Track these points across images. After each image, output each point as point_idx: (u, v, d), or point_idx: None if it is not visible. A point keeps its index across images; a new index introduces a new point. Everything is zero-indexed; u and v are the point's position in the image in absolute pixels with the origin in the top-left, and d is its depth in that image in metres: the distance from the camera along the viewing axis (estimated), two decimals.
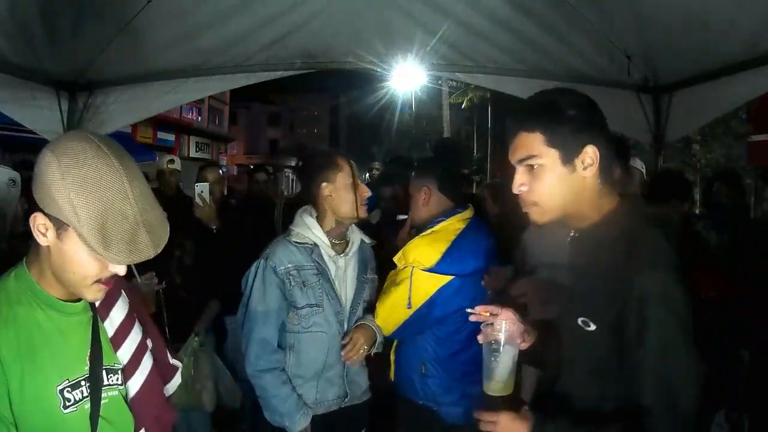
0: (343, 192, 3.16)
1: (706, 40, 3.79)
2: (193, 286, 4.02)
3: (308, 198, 3.27)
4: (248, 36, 4.47)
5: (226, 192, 6.12)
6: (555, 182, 1.95)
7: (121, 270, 1.74)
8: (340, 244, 3.27)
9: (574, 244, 2.11)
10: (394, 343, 3.40)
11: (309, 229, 3.20)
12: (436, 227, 3.28)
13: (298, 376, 3.15)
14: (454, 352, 3.22)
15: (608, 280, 1.89)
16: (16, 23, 3.74)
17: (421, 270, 3.18)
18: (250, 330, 3.11)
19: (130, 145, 16.82)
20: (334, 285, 3.17)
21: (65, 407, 1.76)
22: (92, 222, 1.60)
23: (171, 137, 26.67)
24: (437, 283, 3.18)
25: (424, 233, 3.28)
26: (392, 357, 3.43)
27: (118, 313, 1.99)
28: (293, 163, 48.22)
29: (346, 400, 3.21)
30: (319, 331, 3.13)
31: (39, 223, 1.66)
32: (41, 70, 4.45)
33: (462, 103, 32.18)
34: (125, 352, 1.98)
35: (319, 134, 70.68)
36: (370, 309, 3.31)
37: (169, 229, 1.76)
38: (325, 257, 3.18)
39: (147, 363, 2.05)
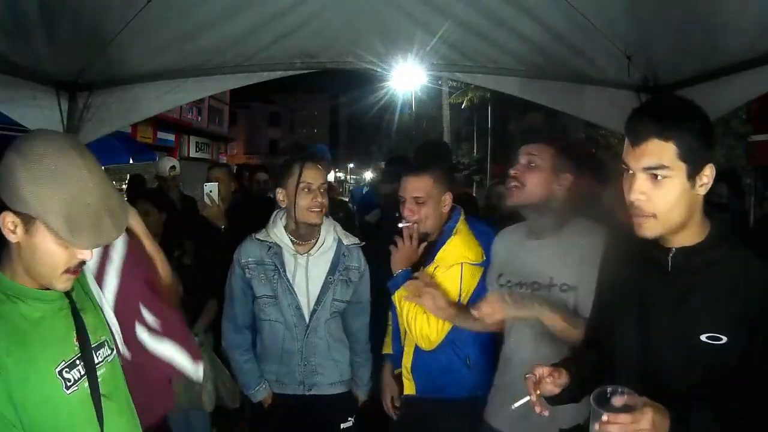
0: (291, 198, 3.36)
1: (706, 39, 3.78)
2: (192, 286, 4.02)
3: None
4: (248, 36, 4.47)
5: (233, 189, 6.25)
6: (677, 196, 1.91)
7: (88, 255, 1.84)
8: (305, 245, 3.46)
9: (678, 261, 2.02)
10: (410, 360, 3.44)
11: (273, 228, 3.48)
12: (458, 225, 3.36)
13: (263, 358, 3.58)
14: (488, 334, 3.28)
15: (737, 294, 1.89)
16: (15, 23, 3.73)
17: (470, 264, 3.25)
18: (224, 309, 3.64)
19: (130, 145, 16.86)
20: (290, 281, 3.40)
21: (67, 388, 1.84)
22: (58, 212, 1.72)
23: (171, 137, 26.65)
24: (477, 274, 3.28)
25: (456, 234, 3.33)
26: (410, 374, 3.45)
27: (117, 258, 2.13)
28: None
29: (307, 388, 3.48)
30: (276, 321, 3.48)
31: (8, 221, 1.75)
32: (41, 69, 4.45)
33: (462, 103, 32.17)
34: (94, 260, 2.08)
35: (319, 134, 70.67)
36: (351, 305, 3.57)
37: (129, 212, 1.96)
38: (285, 255, 3.44)
39: (119, 249, 2.16)
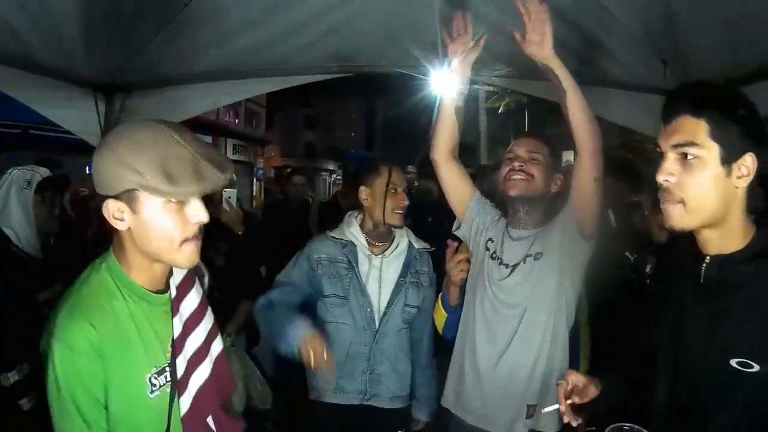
0: (378, 198, 3.38)
1: (743, 43, 3.73)
2: (226, 287, 4.05)
3: (351, 200, 3.47)
4: (284, 38, 4.49)
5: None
6: (709, 181, 1.75)
7: (202, 214, 1.82)
8: (380, 246, 3.44)
9: (713, 271, 1.84)
10: None
11: (348, 227, 3.46)
12: None
13: None
14: None
15: None
16: (52, 23, 3.80)
17: None
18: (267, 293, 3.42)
19: None
20: (363, 281, 3.34)
21: (151, 392, 1.89)
22: (154, 170, 1.70)
23: (208, 139, 26.84)
24: None
25: None
26: None
27: (188, 305, 2.06)
28: (330, 167, 48.50)
29: (366, 397, 3.35)
30: (343, 323, 3.37)
31: (112, 209, 1.76)
32: (77, 71, 4.52)
33: (499, 107, 32.03)
34: (194, 340, 2.05)
35: (356, 138, 70.77)
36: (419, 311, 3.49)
37: (231, 163, 1.88)
38: (360, 255, 3.41)
39: (216, 348, 2.15)
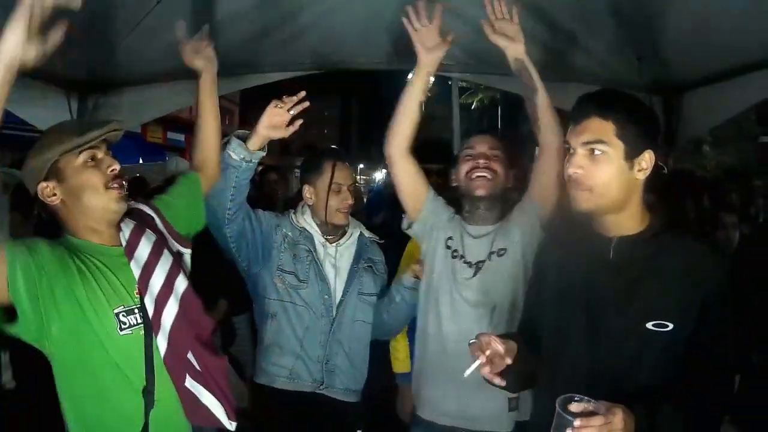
0: (321, 197, 3.31)
1: (717, 40, 3.76)
2: (202, 286, 4.03)
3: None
4: (258, 37, 4.46)
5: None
6: (613, 173, 2.03)
7: (113, 162, 2.21)
8: (332, 237, 3.38)
9: (620, 250, 2.12)
10: None
11: (302, 215, 3.38)
12: None
13: (277, 345, 3.30)
14: None
15: (683, 281, 2.00)
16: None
17: None
18: None
19: (140, 145, 16.86)
20: (321, 266, 3.26)
21: (121, 329, 2.12)
22: (60, 138, 2.11)
23: (181, 137, 26.61)
24: None
25: None
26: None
27: (143, 249, 2.30)
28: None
29: (321, 387, 3.25)
30: (302, 305, 3.23)
31: (44, 192, 2.11)
32: (51, 70, 4.47)
33: (472, 103, 32.09)
34: (157, 280, 2.27)
35: (330, 135, 70.69)
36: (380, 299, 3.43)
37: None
38: (316, 242, 3.32)
39: (181, 284, 2.35)
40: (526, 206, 3.06)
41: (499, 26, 2.92)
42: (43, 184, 2.10)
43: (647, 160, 2.05)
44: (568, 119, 2.18)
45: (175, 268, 2.36)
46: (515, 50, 2.94)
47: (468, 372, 2.11)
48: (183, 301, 2.31)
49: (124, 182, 2.22)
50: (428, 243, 3.19)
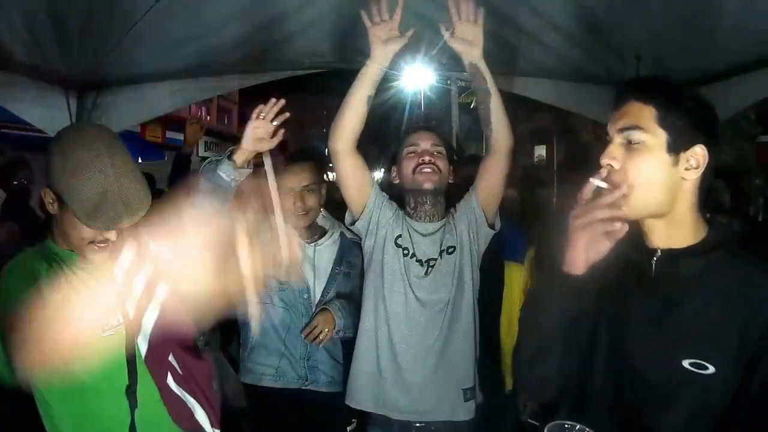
0: (277, 200, 3.20)
1: (715, 40, 3.77)
2: None
3: None
4: (257, 36, 4.46)
5: None
6: (654, 167, 1.67)
7: (112, 236, 2.14)
8: (310, 238, 3.40)
9: (664, 266, 1.74)
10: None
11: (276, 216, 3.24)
12: None
13: (262, 345, 3.37)
14: None
15: (733, 316, 1.58)
16: (24, 23, 3.75)
17: None
18: None
19: (139, 145, 16.84)
20: (300, 268, 3.27)
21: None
22: (80, 200, 2.02)
23: (180, 137, 26.55)
24: None
25: None
26: None
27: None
28: None
29: (307, 383, 3.31)
30: (283, 307, 3.33)
31: (48, 197, 2.10)
32: (50, 69, 4.47)
33: (471, 103, 32.04)
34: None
35: (326, 135, 70.27)
36: (348, 300, 3.41)
37: (147, 201, 2.15)
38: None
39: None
40: (472, 204, 3.09)
41: (460, 29, 2.90)
42: (48, 190, 2.10)
43: (698, 156, 1.66)
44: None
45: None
46: (471, 54, 2.93)
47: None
48: (164, 306, 2.32)
49: (112, 241, 2.18)
50: (373, 240, 3.16)
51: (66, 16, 3.83)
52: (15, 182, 5.94)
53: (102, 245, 2.15)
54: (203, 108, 29.64)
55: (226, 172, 2.83)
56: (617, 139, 1.71)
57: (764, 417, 1.53)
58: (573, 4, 3.88)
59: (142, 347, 2.24)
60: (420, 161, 3.04)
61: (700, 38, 3.85)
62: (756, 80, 3.92)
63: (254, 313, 3.21)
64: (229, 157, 2.88)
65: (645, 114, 1.68)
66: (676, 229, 1.72)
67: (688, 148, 1.67)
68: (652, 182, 1.67)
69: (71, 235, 2.13)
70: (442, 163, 3.07)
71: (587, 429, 1.52)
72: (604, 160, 1.70)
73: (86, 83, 4.88)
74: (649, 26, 3.97)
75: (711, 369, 1.57)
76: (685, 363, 1.60)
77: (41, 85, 4.56)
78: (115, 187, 2.04)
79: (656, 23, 3.91)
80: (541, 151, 23.14)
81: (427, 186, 3.02)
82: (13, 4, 3.55)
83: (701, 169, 1.68)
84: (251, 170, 2.97)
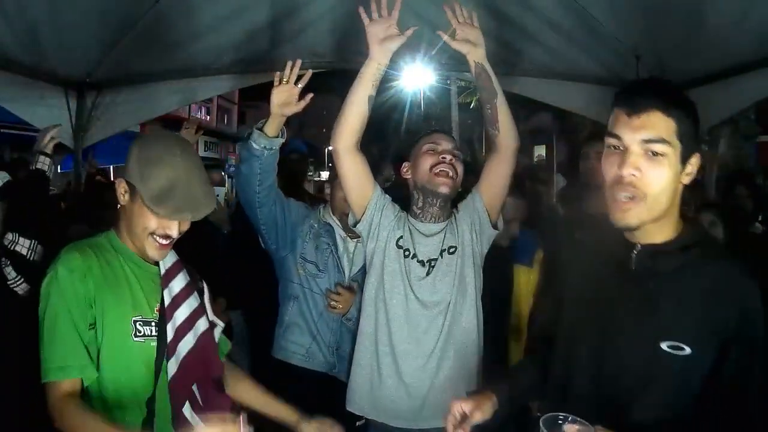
0: (330, 192, 3.55)
1: (714, 40, 3.77)
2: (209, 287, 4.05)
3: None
4: (256, 35, 4.47)
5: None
6: (669, 177, 1.72)
7: (172, 230, 2.20)
8: (353, 233, 3.41)
9: (643, 260, 1.82)
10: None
11: (324, 210, 3.58)
12: None
13: (296, 324, 3.48)
14: None
15: (708, 305, 1.68)
16: (24, 23, 3.76)
17: None
18: None
19: None
20: (339, 260, 3.43)
21: (135, 336, 2.17)
22: (151, 187, 2.12)
23: None
24: None
25: None
26: None
27: (177, 284, 2.37)
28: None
29: (334, 370, 3.43)
30: (318, 293, 3.43)
31: (121, 187, 2.20)
32: (50, 69, 4.48)
33: (471, 103, 32.03)
34: (182, 313, 2.34)
35: (328, 134, 70.28)
36: None
37: (213, 203, 2.25)
38: (337, 236, 3.47)
39: (202, 325, 2.41)
40: (476, 204, 3.05)
41: (461, 32, 2.88)
42: (123, 181, 2.20)
43: (694, 163, 1.76)
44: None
45: (200, 309, 2.45)
46: (476, 55, 2.91)
47: None
48: (200, 340, 2.39)
49: (174, 238, 2.26)
50: (374, 242, 3.10)
51: (66, 16, 3.83)
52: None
53: (162, 241, 2.21)
54: (203, 108, 29.62)
55: (256, 142, 3.01)
56: (637, 149, 1.72)
57: (739, 398, 1.67)
58: (573, 4, 3.88)
59: (171, 369, 2.28)
60: (441, 159, 2.98)
61: (700, 38, 3.84)
62: (756, 80, 3.91)
63: (293, 293, 3.45)
64: (261, 128, 3.01)
65: (669, 126, 1.70)
66: (662, 227, 1.80)
67: (690, 157, 1.74)
68: (665, 191, 1.73)
69: (135, 224, 2.19)
70: (460, 168, 3.02)
71: (579, 419, 1.60)
72: (627, 171, 1.71)
73: (86, 83, 4.88)
74: (649, 26, 3.97)
75: (687, 350, 1.67)
76: (663, 345, 1.69)
77: (41, 85, 4.56)
78: (184, 181, 2.15)
79: (656, 23, 3.91)
80: (541, 151, 23.19)
81: (443, 190, 2.97)
82: (12, 5, 3.55)
83: (693, 175, 1.77)
84: (284, 138, 3.11)
